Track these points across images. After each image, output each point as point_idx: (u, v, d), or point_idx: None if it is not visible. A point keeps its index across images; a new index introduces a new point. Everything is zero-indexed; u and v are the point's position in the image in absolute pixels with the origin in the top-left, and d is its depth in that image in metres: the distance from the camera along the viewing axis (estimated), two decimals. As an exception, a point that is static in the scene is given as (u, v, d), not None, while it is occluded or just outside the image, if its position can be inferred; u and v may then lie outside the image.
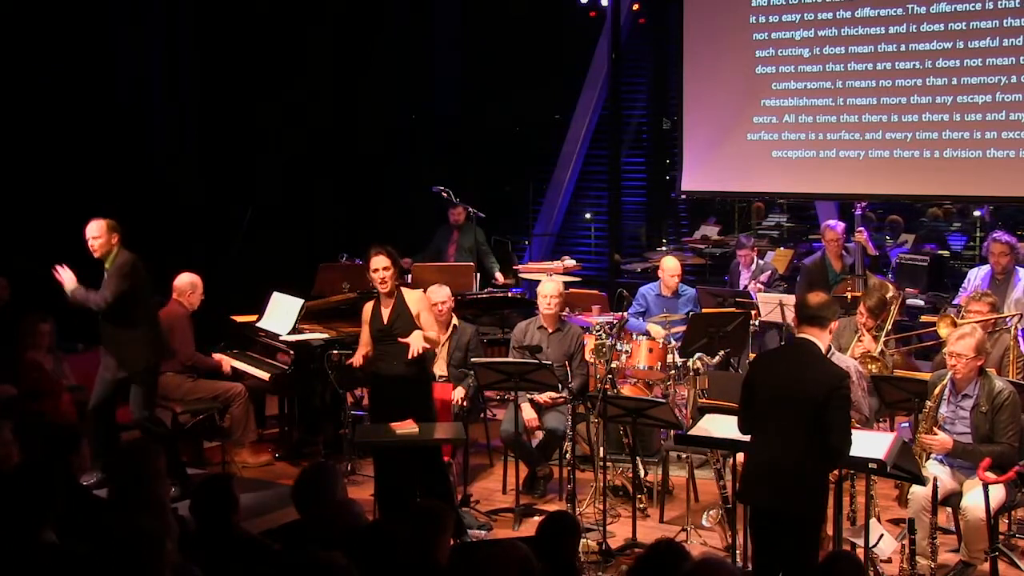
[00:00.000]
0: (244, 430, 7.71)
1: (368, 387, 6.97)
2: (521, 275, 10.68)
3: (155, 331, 7.13)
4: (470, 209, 10.42)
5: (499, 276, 10.43)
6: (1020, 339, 6.97)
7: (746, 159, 11.07)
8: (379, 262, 6.37)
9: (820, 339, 4.85)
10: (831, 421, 4.63)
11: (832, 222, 9.57)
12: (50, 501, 3.91)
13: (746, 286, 9.21)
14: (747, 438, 5.00)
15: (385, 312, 6.46)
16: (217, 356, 7.94)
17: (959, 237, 11.97)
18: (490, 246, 10.87)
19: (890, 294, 8.00)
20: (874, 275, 8.79)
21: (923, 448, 5.70)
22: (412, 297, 6.51)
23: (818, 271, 9.26)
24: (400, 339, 6.38)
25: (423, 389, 6.56)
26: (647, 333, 7.96)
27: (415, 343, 6.30)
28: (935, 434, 5.75)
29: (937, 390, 5.80)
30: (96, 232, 6.88)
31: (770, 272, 9.43)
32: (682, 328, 7.99)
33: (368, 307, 6.58)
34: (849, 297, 8.07)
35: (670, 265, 8.66)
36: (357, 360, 6.61)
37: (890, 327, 7.31)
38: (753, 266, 9.50)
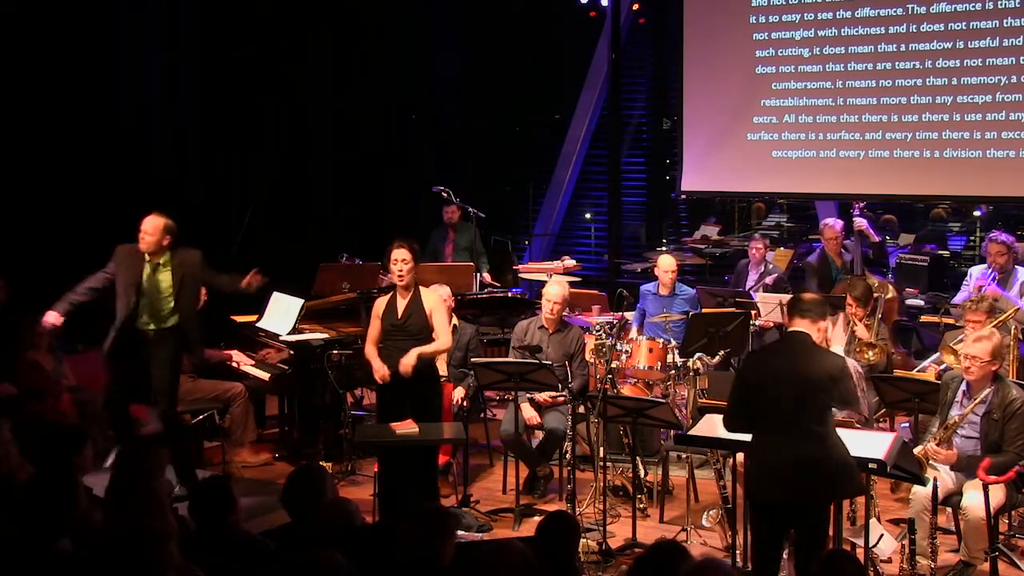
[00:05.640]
0: (244, 430, 7.71)
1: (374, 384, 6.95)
2: (521, 275, 10.67)
3: None
4: (468, 208, 10.41)
5: (486, 276, 10.42)
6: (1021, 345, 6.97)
7: (746, 159, 11.07)
8: (400, 254, 6.42)
9: (811, 331, 4.92)
10: (846, 395, 4.83)
11: (831, 220, 9.58)
12: (68, 510, 3.89)
13: (754, 286, 9.19)
14: (743, 437, 4.99)
15: (400, 306, 6.48)
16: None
17: (959, 237, 11.96)
18: (488, 246, 10.85)
19: (889, 295, 8.00)
20: (873, 275, 8.78)
21: (929, 457, 5.69)
22: (428, 296, 6.52)
23: (822, 268, 9.28)
24: (412, 336, 6.41)
25: (432, 386, 6.56)
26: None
27: (407, 361, 6.32)
28: (951, 443, 5.76)
29: (959, 400, 5.77)
30: (150, 228, 6.89)
31: (777, 275, 9.39)
32: (679, 319, 8.04)
33: (381, 302, 6.56)
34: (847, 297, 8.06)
35: (665, 262, 8.66)
36: (383, 373, 6.48)
37: (880, 316, 7.42)
38: (761, 267, 9.48)
